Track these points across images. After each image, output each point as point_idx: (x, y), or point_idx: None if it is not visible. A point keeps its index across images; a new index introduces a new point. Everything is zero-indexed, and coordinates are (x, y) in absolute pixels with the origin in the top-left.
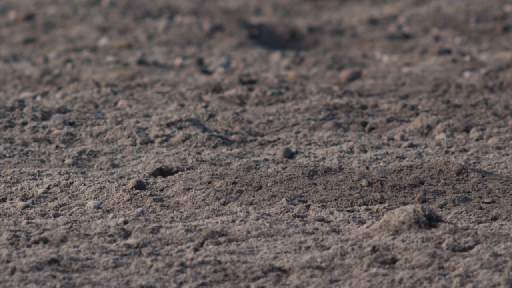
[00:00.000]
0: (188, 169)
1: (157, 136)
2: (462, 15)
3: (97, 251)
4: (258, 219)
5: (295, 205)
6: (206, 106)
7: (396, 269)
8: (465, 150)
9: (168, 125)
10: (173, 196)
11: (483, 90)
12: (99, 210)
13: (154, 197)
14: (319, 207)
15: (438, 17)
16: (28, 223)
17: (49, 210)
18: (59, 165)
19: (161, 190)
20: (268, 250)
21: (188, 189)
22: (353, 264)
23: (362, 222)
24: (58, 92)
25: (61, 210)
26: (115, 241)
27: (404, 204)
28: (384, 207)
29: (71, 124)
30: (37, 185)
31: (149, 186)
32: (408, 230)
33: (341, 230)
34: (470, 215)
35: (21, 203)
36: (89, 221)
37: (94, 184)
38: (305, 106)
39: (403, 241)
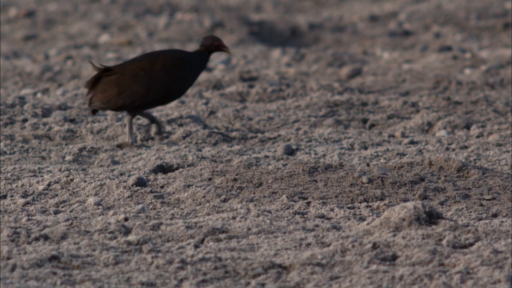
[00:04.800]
0: (188, 166)
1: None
2: (462, 12)
3: (97, 248)
4: (258, 216)
5: (295, 202)
6: (206, 103)
7: (397, 266)
8: (466, 147)
9: (169, 122)
10: (173, 193)
11: (483, 87)
12: (100, 207)
13: (154, 194)
14: (319, 204)
15: (439, 14)
16: (28, 220)
17: (50, 207)
18: (59, 162)
19: (162, 187)
20: (269, 247)
21: (189, 186)
22: (354, 261)
23: (362, 219)
24: (59, 89)
25: (62, 207)
26: (115, 238)
27: (405, 201)
28: (385, 204)
29: (72, 121)
30: (38, 182)
31: (150, 183)
32: (408, 227)
33: (342, 227)
34: (471, 212)
35: (22, 200)
36: (89, 218)
37: (94, 181)
38: (305, 103)
39: (403, 238)
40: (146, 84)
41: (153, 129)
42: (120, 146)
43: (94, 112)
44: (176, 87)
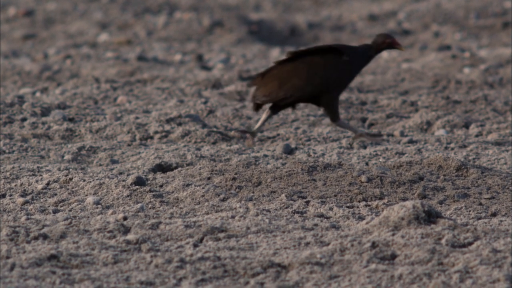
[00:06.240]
0: (187, 165)
1: (156, 132)
2: (462, 11)
3: (96, 247)
4: (257, 215)
5: (294, 201)
6: (205, 102)
7: (396, 265)
8: (465, 146)
9: (168, 121)
10: (172, 192)
11: (483, 86)
12: (99, 206)
13: (153, 193)
14: (318, 203)
15: (438, 13)
16: (27, 219)
17: (49, 206)
18: (58, 161)
19: (161, 186)
20: (268, 246)
21: (188, 185)
22: (353, 260)
23: (361, 218)
24: (58, 88)
25: (61, 206)
26: (114, 237)
27: (404, 200)
28: (384, 203)
29: (71, 120)
30: (37, 181)
31: (149, 182)
32: (407, 226)
33: (341, 226)
34: (470, 211)
35: (21, 199)
36: (88, 217)
37: (93, 180)
38: None
39: (402, 237)
40: (306, 77)
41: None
42: (243, 132)
43: (257, 107)
44: (336, 80)
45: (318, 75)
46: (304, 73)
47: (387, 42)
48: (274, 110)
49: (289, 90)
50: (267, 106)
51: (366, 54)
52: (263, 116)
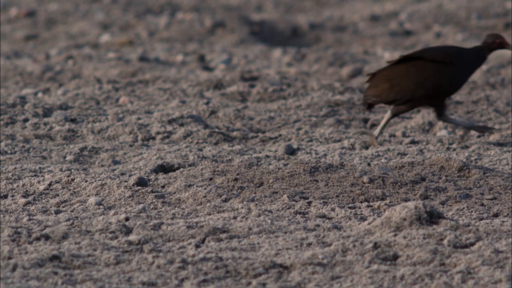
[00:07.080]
0: (189, 165)
1: (158, 133)
2: (463, 11)
3: (98, 247)
4: (259, 215)
5: (296, 201)
6: (207, 103)
7: (398, 265)
8: (467, 147)
9: (170, 122)
10: (174, 192)
11: (484, 87)
12: (101, 206)
13: (155, 193)
14: (320, 203)
15: (440, 13)
16: (29, 219)
17: (51, 207)
18: (60, 161)
19: (163, 187)
20: (270, 247)
21: (190, 185)
22: (355, 261)
23: (363, 219)
24: (60, 88)
25: (63, 207)
26: (116, 237)
27: (406, 200)
28: (386, 204)
29: (73, 120)
30: (39, 182)
31: (151, 182)
32: (409, 227)
33: (343, 226)
34: (472, 211)
35: (23, 200)
36: (90, 217)
37: (95, 181)
38: (306, 103)
39: (404, 237)
40: (416, 80)
41: (470, 132)
42: (364, 133)
43: (369, 107)
44: (447, 84)
45: (430, 79)
46: (415, 77)
47: (497, 42)
48: (394, 113)
49: (398, 93)
50: (378, 106)
51: (479, 56)
52: (384, 119)
